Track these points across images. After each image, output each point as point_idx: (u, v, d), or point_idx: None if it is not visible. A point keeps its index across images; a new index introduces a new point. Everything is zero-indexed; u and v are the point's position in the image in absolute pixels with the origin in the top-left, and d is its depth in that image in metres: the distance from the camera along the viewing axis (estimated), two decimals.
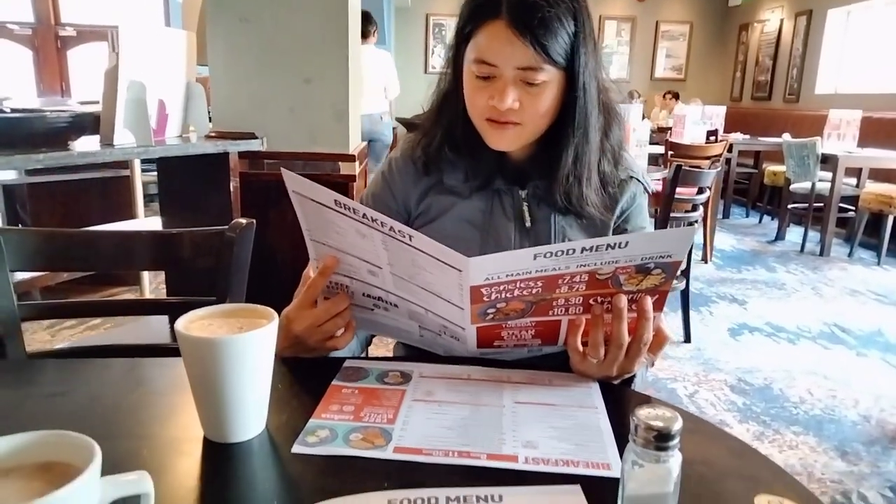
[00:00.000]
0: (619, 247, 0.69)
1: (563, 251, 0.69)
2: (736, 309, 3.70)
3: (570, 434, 0.68)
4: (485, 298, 0.74)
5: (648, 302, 0.75)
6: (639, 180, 1.05)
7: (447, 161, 1.01)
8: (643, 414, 0.51)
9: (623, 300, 0.75)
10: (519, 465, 0.62)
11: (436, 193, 1.02)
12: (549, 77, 0.90)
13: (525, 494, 0.56)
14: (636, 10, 9.24)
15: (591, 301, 0.76)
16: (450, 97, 1.00)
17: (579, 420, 0.71)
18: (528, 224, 1.00)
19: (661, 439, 0.49)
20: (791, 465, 2.12)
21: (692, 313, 3.27)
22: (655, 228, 2.74)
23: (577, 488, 0.57)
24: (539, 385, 0.79)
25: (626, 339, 0.76)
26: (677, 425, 0.50)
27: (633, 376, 0.89)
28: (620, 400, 0.77)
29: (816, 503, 0.58)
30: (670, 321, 3.37)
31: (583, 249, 0.69)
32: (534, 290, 0.74)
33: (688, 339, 3.15)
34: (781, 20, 7.86)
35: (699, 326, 3.35)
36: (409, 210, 1.04)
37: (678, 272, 0.78)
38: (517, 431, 0.68)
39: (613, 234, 1.05)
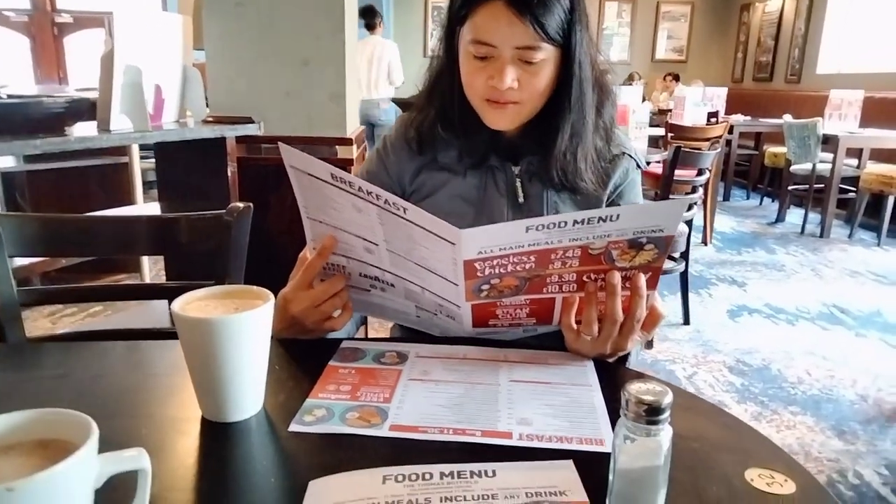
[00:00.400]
0: (611, 219, 0.69)
1: (554, 223, 0.69)
2: (735, 291, 3.71)
3: (564, 411, 0.69)
4: (478, 273, 0.74)
5: (642, 279, 0.76)
6: (631, 156, 1.05)
7: (441, 139, 1.01)
8: (634, 388, 0.51)
9: (616, 276, 0.75)
10: (513, 442, 0.63)
11: (429, 171, 1.03)
12: (547, 55, 0.91)
13: (519, 469, 0.57)
14: None
15: (584, 278, 0.76)
16: (443, 77, 1.00)
17: (574, 397, 0.72)
18: (520, 200, 1.01)
19: (651, 413, 0.50)
20: (788, 444, 2.13)
21: (691, 295, 3.28)
22: None
23: (570, 463, 0.58)
24: (534, 364, 0.80)
25: (620, 316, 0.76)
26: (667, 399, 0.50)
27: (628, 355, 0.90)
28: (614, 378, 0.78)
29: (805, 475, 0.58)
30: (669, 303, 3.38)
31: (574, 222, 0.69)
32: (527, 266, 0.74)
33: (687, 321, 3.16)
34: (783, 0, 7.79)
35: (698, 308, 3.36)
36: (403, 187, 1.05)
37: (671, 248, 0.78)
38: (512, 409, 0.69)
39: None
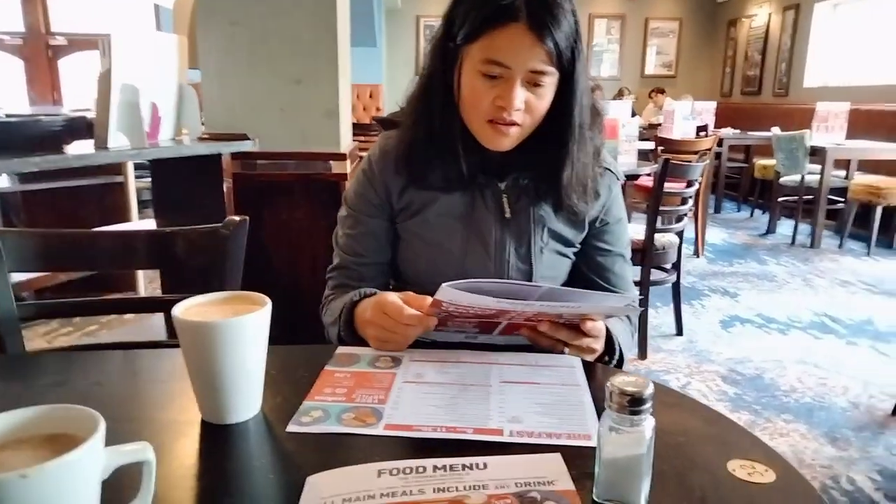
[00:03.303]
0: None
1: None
2: (727, 301, 3.74)
3: (553, 409, 0.71)
4: (442, 309, 0.80)
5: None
6: (612, 171, 1.08)
7: (426, 160, 1.01)
8: (618, 381, 0.54)
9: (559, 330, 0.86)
10: (504, 438, 0.65)
11: (416, 189, 1.03)
12: (552, 80, 0.93)
13: (509, 462, 0.59)
14: (625, 7, 9.30)
15: (531, 318, 0.84)
16: (435, 96, 0.99)
17: (562, 396, 0.74)
18: (507, 215, 1.02)
19: (634, 403, 0.53)
20: (782, 451, 2.12)
21: (684, 307, 3.31)
22: (647, 222, 2.77)
23: (558, 456, 0.60)
24: (525, 365, 0.82)
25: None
26: (649, 390, 0.53)
27: (622, 360, 0.94)
28: (602, 378, 0.80)
29: (784, 465, 0.61)
30: (662, 314, 3.41)
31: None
32: (487, 313, 0.80)
33: (680, 332, 3.18)
34: (769, 14, 7.92)
35: (691, 319, 3.39)
36: (391, 205, 1.06)
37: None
38: (503, 408, 0.71)
39: (597, 227, 1.09)
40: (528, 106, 0.93)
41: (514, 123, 0.94)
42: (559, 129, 0.97)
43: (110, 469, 0.46)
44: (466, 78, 0.95)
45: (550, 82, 0.93)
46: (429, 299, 0.81)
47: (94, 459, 0.44)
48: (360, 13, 5.41)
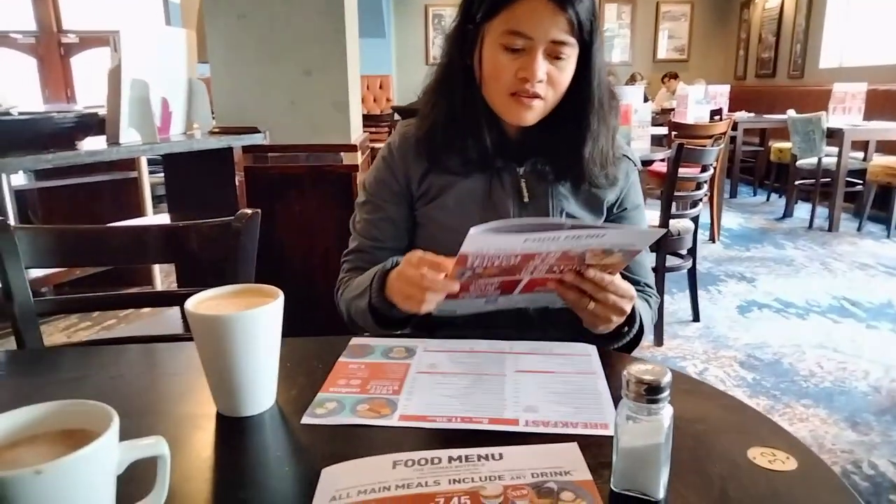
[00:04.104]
0: (598, 237, 0.75)
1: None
2: (744, 286, 3.70)
3: (569, 398, 0.70)
4: (467, 265, 0.76)
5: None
6: (629, 158, 1.09)
7: (446, 143, 1.02)
8: (635, 369, 0.53)
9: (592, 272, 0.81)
10: (520, 428, 0.64)
11: (436, 173, 1.04)
12: (572, 53, 0.94)
13: (524, 452, 0.59)
14: None
15: (554, 268, 0.80)
16: (454, 78, 1.01)
17: (578, 385, 0.73)
18: (526, 199, 1.03)
19: (651, 392, 0.52)
20: (802, 437, 2.13)
21: (700, 292, 3.28)
22: (661, 208, 2.74)
23: (574, 445, 0.60)
24: (540, 354, 0.82)
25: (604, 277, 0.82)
26: (667, 378, 0.52)
27: (635, 343, 0.93)
28: (618, 365, 0.79)
29: (806, 452, 0.60)
30: (678, 301, 3.38)
31: (566, 237, 0.73)
32: (511, 263, 0.77)
33: (696, 318, 3.15)
34: None
35: (708, 305, 3.36)
36: (411, 190, 1.07)
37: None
38: (518, 397, 0.70)
39: (615, 211, 1.09)
40: (549, 78, 0.95)
41: (536, 96, 0.95)
42: (580, 103, 0.98)
43: (125, 464, 0.46)
44: (488, 53, 0.96)
45: (571, 54, 0.95)
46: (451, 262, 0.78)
47: (108, 454, 0.44)
48: (368, 4, 5.39)
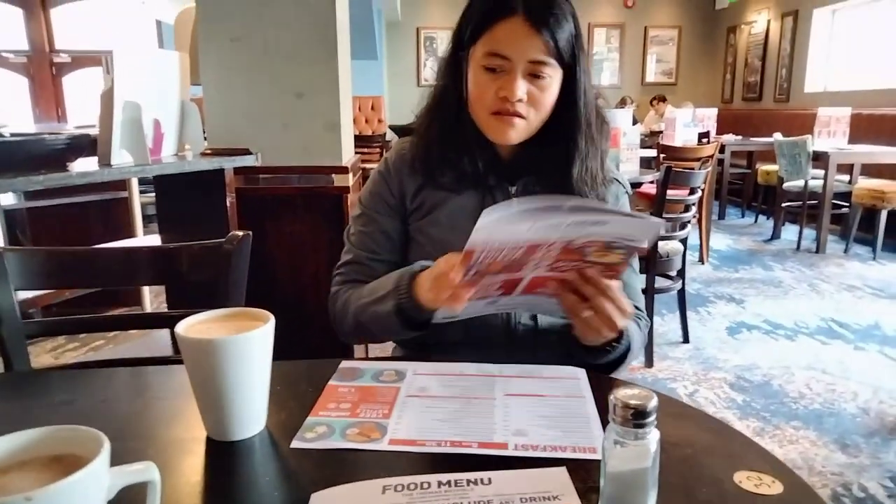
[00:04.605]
0: (600, 224, 0.75)
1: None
2: (734, 308, 3.72)
3: (558, 422, 0.71)
4: (472, 259, 0.76)
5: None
6: (619, 181, 1.11)
7: (443, 161, 1.05)
8: (621, 394, 0.53)
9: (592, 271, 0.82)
10: (509, 452, 0.65)
11: (429, 189, 1.07)
12: (554, 73, 0.97)
13: (513, 477, 0.59)
14: (624, 16, 9.34)
15: (557, 264, 0.80)
16: (447, 99, 1.05)
17: (567, 409, 0.74)
18: None
19: (638, 416, 0.52)
20: (792, 459, 2.13)
21: (690, 314, 3.30)
22: None
23: (563, 470, 0.60)
24: (529, 377, 0.82)
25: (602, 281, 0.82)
26: (653, 403, 0.53)
27: (620, 364, 0.95)
28: (607, 389, 0.79)
29: (792, 476, 0.60)
30: (668, 322, 3.40)
31: (568, 225, 0.73)
32: (514, 256, 0.77)
33: (686, 340, 3.17)
34: (768, 21, 7.94)
35: (697, 326, 3.38)
36: (405, 205, 1.09)
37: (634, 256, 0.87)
38: (507, 421, 0.71)
39: None
40: (531, 98, 0.97)
41: (518, 115, 0.98)
42: (567, 123, 1.01)
43: (115, 489, 0.46)
44: (472, 75, 1.00)
45: (552, 75, 0.97)
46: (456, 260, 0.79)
47: (98, 480, 0.44)
48: (360, 26, 5.44)
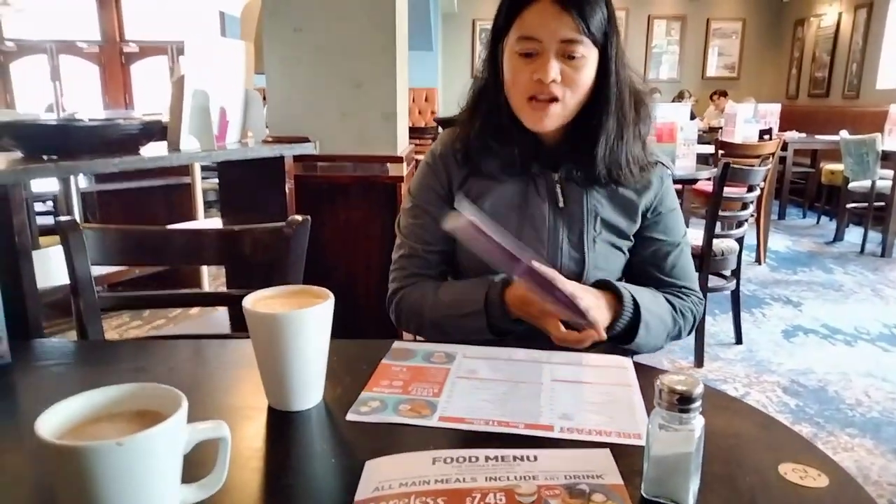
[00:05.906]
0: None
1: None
2: (790, 311, 3.62)
3: (604, 408, 0.72)
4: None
5: None
6: (663, 163, 1.12)
7: (485, 150, 1.07)
8: (668, 379, 0.55)
9: None
10: (554, 434, 0.67)
11: (475, 178, 1.09)
12: (587, 53, 0.98)
13: (559, 456, 0.61)
14: (686, 8, 9.09)
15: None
16: (489, 91, 1.07)
17: (613, 396, 0.75)
18: (561, 204, 1.07)
19: (683, 402, 0.54)
20: (846, 466, 2.06)
21: (744, 315, 3.22)
22: (705, 227, 2.71)
23: (607, 451, 0.62)
24: (576, 365, 0.84)
25: None
26: (699, 389, 0.54)
27: (636, 329, 0.99)
28: (653, 379, 0.80)
29: (838, 470, 0.60)
30: (720, 322, 3.33)
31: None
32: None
33: (739, 341, 3.10)
34: (840, 14, 7.60)
35: (751, 328, 3.30)
36: (453, 194, 1.11)
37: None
38: (554, 405, 0.73)
39: (650, 218, 1.11)
40: (565, 78, 0.98)
41: (553, 99, 0.99)
42: (601, 103, 1.02)
43: (192, 443, 0.50)
44: (507, 63, 1.02)
45: (586, 54, 0.98)
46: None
47: (178, 433, 0.48)
48: (417, 17, 5.47)
